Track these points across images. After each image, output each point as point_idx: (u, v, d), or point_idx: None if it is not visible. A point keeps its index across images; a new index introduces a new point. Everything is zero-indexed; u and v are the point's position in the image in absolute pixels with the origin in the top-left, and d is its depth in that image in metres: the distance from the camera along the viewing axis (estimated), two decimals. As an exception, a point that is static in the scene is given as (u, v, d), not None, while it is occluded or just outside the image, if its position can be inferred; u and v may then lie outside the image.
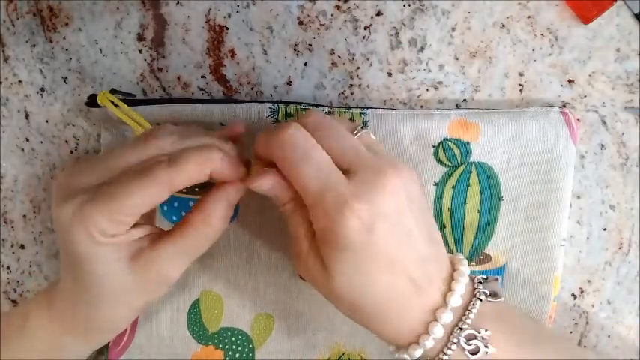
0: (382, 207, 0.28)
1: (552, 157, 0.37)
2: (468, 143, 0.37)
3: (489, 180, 0.38)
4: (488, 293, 0.31)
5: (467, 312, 0.30)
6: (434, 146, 0.37)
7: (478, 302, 0.30)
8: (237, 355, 0.40)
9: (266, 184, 0.30)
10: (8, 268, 0.43)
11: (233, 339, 0.40)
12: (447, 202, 0.38)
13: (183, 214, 0.39)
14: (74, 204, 0.29)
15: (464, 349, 0.29)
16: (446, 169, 0.38)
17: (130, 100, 0.37)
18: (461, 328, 0.29)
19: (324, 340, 0.40)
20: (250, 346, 0.40)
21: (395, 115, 0.37)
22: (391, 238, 0.29)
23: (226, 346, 0.40)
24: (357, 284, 0.29)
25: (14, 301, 0.43)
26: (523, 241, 0.38)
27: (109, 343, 0.40)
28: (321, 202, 0.28)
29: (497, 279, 0.32)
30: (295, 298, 0.39)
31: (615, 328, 0.40)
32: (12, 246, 0.42)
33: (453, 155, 0.37)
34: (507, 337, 0.30)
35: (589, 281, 0.40)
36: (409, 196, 0.29)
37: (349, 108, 0.38)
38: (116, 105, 0.36)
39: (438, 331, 0.29)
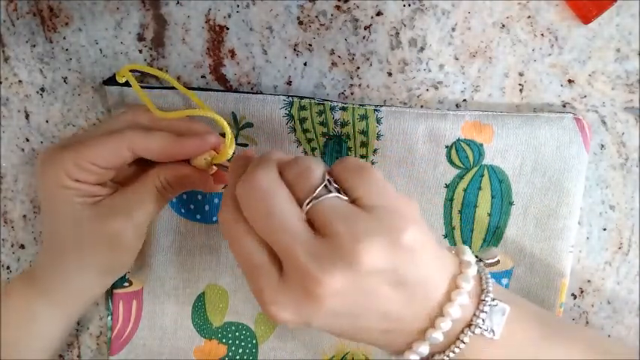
0: (311, 318, 0.26)
1: (565, 164, 0.37)
2: (482, 145, 0.37)
3: (501, 184, 0.38)
4: (486, 328, 0.28)
5: (454, 344, 0.28)
6: (447, 147, 0.38)
7: (468, 335, 0.28)
8: (240, 350, 0.40)
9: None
10: (8, 268, 0.43)
11: (237, 334, 0.40)
12: (457, 205, 0.38)
13: (192, 206, 0.40)
14: (50, 151, 0.33)
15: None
16: (458, 171, 0.38)
17: (145, 84, 0.39)
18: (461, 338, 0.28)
19: (328, 338, 0.40)
20: (254, 341, 0.40)
21: (409, 113, 0.37)
22: (335, 329, 0.27)
23: (230, 341, 0.40)
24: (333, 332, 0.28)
25: (14, 301, 0.43)
26: (532, 246, 0.38)
27: (111, 336, 0.40)
28: (251, 288, 0.27)
29: (504, 310, 0.28)
30: None
31: (615, 328, 0.40)
32: (12, 246, 0.42)
33: (465, 157, 0.38)
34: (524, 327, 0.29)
35: (589, 281, 0.40)
36: (360, 290, 0.25)
37: (363, 105, 0.38)
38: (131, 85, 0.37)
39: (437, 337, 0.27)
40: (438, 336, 0.27)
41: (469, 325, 0.28)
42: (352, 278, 0.25)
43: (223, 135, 0.35)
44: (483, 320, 0.28)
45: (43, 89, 0.40)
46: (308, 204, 0.26)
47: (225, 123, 0.35)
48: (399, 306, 0.26)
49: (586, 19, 0.37)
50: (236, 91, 0.39)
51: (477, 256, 0.30)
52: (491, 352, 0.28)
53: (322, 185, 0.26)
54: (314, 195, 0.26)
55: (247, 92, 0.38)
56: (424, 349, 0.27)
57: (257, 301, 0.27)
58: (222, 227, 0.28)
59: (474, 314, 0.28)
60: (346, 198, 0.26)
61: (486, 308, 0.28)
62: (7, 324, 0.35)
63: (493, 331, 0.28)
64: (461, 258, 0.29)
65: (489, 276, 0.29)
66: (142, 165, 0.36)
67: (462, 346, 0.27)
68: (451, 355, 0.28)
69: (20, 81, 0.40)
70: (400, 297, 0.26)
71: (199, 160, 0.34)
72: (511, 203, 0.38)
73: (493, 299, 0.28)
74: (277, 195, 0.26)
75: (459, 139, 0.37)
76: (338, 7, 0.39)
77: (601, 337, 0.36)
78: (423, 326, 0.27)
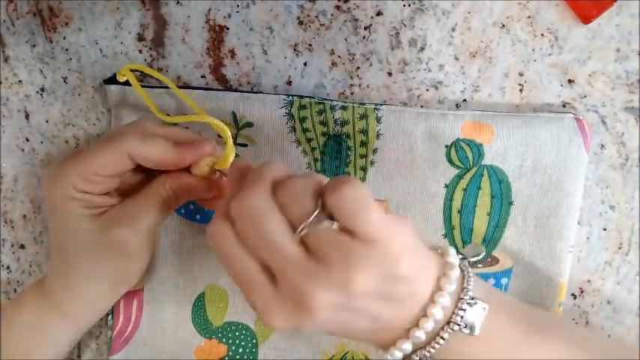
0: (304, 326, 0.27)
1: (565, 164, 0.37)
2: (481, 145, 0.37)
3: (501, 184, 0.38)
4: (464, 325, 0.29)
5: (435, 340, 0.29)
6: (446, 146, 0.38)
7: (447, 332, 0.29)
8: (240, 350, 0.40)
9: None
10: (8, 268, 0.43)
11: (237, 334, 0.40)
12: (456, 204, 0.38)
13: (192, 206, 0.40)
14: (55, 167, 0.34)
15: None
16: (457, 171, 0.38)
17: (145, 84, 0.39)
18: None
19: (327, 338, 0.40)
20: (254, 341, 0.40)
21: (409, 113, 0.38)
22: (326, 331, 0.29)
23: (230, 341, 0.40)
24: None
25: (14, 301, 0.43)
26: (531, 245, 0.38)
27: (112, 335, 0.40)
28: (245, 298, 0.28)
29: (484, 308, 0.29)
30: None
31: (615, 328, 0.40)
32: (12, 246, 0.42)
33: (465, 156, 0.38)
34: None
35: (589, 281, 0.40)
36: (351, 307, 0.27)
37: (363, 103, 0.38)
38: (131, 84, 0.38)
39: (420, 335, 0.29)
40: (420, 335, 0.29)
41: (448, 323, 0.29)
42: (344, 299, 0.26)
43: (221, 137, 0.35)
44: (462, 317, 0.29)
45: (43, 89, 0.40)
46: (301, 231, 0.27)
47: (225, 129, 0.35)
48: (388, 313, 0.28)
49: (586, 19, 0.37)
50: (236, 90, 0.39)
51: (461, 254, 0.32)
52: (473, 350, 0.30)
53: (314, 213, 0.26)
54: (306, 224, 0.26)
55: (247, 92, 0.38)
56: (407, 346, 0.29)
57: (251, 308, 0.28)
58: (212, 240, 0.28)
59: (453, 312, 0.29)
60: (337, 224, 0.26)
61: (465, 306, 0.29)
62: (19, 336, 0.35)
63: (472, 328, 0.29)
64: (445, 259, 0.30)
65: (471, 275, 0.30)
66: (146, 175, 0.36)
67: (441, 342, 0.29)
68: (432, 350, 0.29)
69: (20, 81, 0.40)
70: (389, 307, 0.28)
71: (200, 169, 0.35)
72: (510, 203, 0.38)
73: (472, 298, 0.29)
74: (270, 218, 0.27)
75: (458, 139, 0.37)
76: (338, 7, 0.39)
77: (597, 337, 0.37)
78: (408, 326, 0.29)
